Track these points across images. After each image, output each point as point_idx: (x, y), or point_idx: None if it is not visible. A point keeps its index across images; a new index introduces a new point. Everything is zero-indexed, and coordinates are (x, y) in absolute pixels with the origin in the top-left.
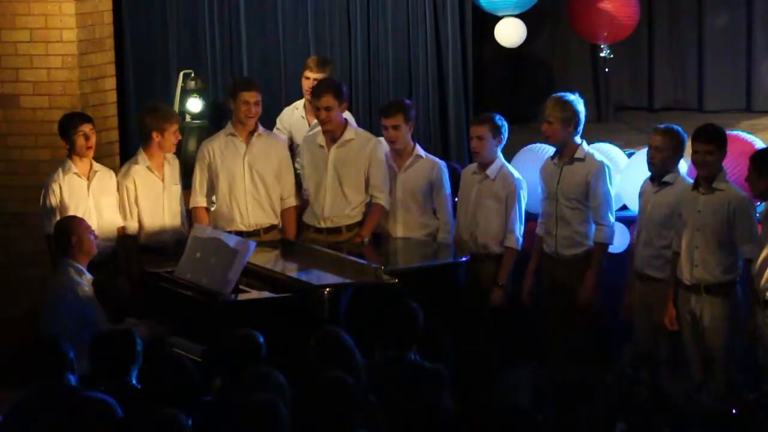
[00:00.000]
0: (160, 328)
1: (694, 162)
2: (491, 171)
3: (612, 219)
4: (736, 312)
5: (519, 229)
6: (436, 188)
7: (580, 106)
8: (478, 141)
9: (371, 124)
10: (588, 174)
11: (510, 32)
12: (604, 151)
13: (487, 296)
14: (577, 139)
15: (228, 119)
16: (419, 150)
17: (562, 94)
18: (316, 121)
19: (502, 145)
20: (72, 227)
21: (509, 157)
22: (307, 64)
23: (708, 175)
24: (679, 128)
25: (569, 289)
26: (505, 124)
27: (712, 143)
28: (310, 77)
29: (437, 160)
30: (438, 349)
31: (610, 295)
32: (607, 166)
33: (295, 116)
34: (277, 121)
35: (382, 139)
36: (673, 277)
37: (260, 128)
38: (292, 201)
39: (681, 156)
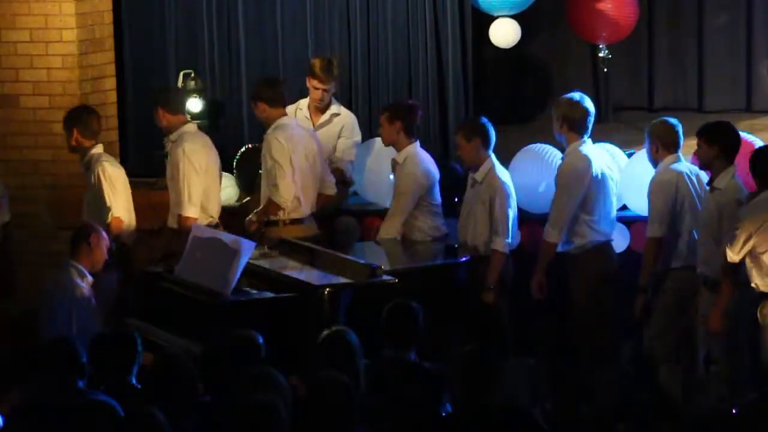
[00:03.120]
0: None
1: None
2: (479, 175)
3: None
4: (736, 310)
5: (506, 232)
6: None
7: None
8: (458, 149)
9: (370, 124)
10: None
11: (504, 33)
12: (604, 151)
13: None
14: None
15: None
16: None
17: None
18: (321, 121)
19: (491, 145)
20: (91, 235)
21: (509, 157)
22: (315, 73)
23: (702, 168)
24: (667, 120)
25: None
26: (482, 123)
27: (699, 138)
28: (320, 88)
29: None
30: (439, 349)
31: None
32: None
33: (299, 117)
34: None
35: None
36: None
37: (174, 135)
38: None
39: (666, 148)
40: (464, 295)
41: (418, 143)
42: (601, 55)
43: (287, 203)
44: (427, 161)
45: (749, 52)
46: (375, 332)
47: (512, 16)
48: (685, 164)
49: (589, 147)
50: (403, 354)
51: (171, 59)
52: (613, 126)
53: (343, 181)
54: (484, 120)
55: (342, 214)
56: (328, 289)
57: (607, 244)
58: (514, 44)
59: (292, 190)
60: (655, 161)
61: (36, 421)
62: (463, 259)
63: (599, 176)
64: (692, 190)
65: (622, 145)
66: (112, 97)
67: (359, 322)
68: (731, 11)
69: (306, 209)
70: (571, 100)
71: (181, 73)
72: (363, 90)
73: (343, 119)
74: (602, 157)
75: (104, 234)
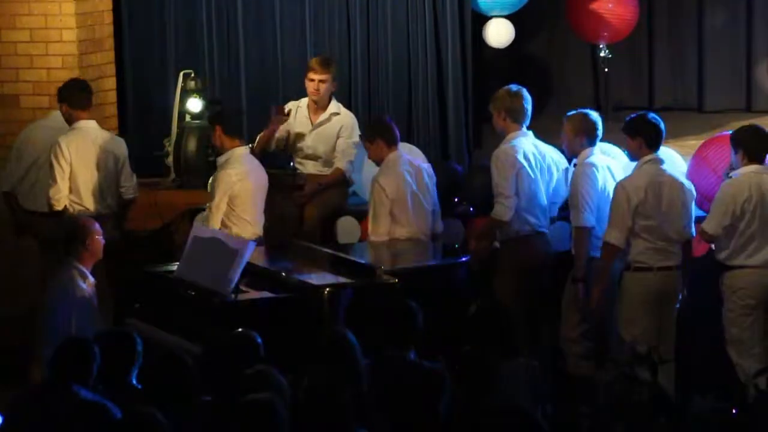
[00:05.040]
0: None
1: None
2: None
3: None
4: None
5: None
6: None
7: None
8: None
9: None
10: None
11: (497, 33)
12: (605, 151)
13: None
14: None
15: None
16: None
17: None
18: (320, 120)
19: (395, 140)
20: (86, 231)
21: None
22: (310, 66)
23: (632, 159)
24: (588, 114)
25: None
26: (377, 124)
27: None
28: (315, 78)
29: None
30: (439, 349)
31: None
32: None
33: (299, 115)
34: None
35: None
36: None
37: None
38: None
39: (590, 142)
40: (464, 295)
41: (246, 148)
42: (601, 55)
43: (52, 201)
44: (248, 166)
45: (749, 52)
46: (375, 332)
47: (508, 16)
48: (601, 157)
49: (528, 140)
50: (403, 354)
51: (171, 59)
52: (613, 126)
53: (343, 181)
54: (387, 120)
55: (342, 214)
56: (328, 289)
57: (533, 236)
58: (507, 44)
59: (60, 191)
60: (575, 154)
61: (31, 420)
62: (464, 258)
63: (526, 169)
64: (598, 184)
65: (622, 145)
66: (112, 97)
67: (359, 322)
68: (731, 11)
69: (94, 209)
70: (509, 90)
71: (181, 73)
72: (363, 90)
73: (342, 119)
74: (546, 150)
75: (96, 224)
